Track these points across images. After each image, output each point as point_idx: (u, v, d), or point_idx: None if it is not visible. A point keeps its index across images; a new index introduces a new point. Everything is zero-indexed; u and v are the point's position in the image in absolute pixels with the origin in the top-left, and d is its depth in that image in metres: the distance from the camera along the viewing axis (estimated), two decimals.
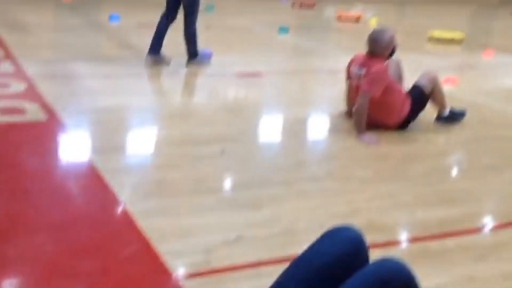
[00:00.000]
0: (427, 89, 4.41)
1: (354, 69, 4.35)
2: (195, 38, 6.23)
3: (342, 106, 5.17)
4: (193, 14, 6.14)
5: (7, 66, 5.46)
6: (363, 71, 4.23)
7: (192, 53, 6.26)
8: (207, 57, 6.38)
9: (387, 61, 4.32)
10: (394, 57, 4.49)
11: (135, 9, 10.15)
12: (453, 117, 4.63)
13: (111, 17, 8.77)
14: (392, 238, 2.79)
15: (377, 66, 4.18)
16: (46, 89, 4.77)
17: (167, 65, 6.05)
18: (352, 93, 4.39)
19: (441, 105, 4.58)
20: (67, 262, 2.35)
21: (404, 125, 4.36)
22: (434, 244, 2.70)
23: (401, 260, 1.65)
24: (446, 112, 4.60)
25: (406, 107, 4.31)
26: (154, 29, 6.08)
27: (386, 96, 4.16)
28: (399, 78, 4.57)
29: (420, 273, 1.71)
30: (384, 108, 4.21)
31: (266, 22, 6.84)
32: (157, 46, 6.09)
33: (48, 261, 2.35)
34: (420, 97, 4.39)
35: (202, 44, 7.20)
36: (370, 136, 4.09)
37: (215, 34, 8.55)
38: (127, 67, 5.93)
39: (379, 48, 4.23)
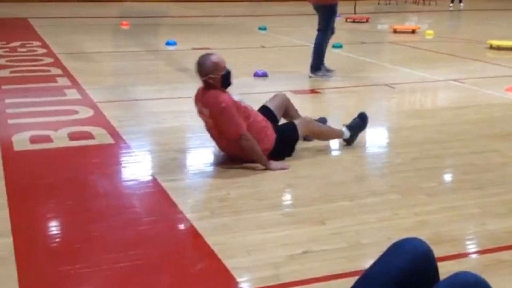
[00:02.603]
0: (301, 133, 3.99)
1: (200, 108, 3.89)
2: (321, 53, 6.69)
3: (400, 119, 5.13)
4: (324, 29, 6.61)
5: (74, 93, 5.71)
6: (207, 111, 3.78)
7: (313, 66, 6.71)
8: (328, 73, 6.81)
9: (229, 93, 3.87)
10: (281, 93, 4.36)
11: (189, 34, 10.40)
12: (357, 128, 4.25)
13: (167, 43, 9.03)
14: (461, 250, 2.73)
15: (215, 103, 3.69)
16: (111, 113, 4.96)
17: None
18: (211, 130, 3.89)
19: (336, 137, 4.19)
20: (140, 278, 2.44)
21: (273, 155, 3.85)
22: (506, 255, 2.63)
23: (475, 274, 1.62)
24: (345, 135, 4.19)
25: (270, 137, 3.86)
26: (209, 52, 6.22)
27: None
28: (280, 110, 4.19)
29: (493, 284, 1.68)
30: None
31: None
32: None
33: (122, 277, 2.44)
34: (291, 135, 3.96)
35: (257, 64, 7.33)
36: (276, 163, 3.74)
37: (269, 54, 8.65)
38: (185, 89, 6.07)
39: (201, 73, 3.77)
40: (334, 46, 8.54)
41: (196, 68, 3.80)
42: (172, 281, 2.42)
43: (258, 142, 3.75)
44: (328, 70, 6.87)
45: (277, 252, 2.65)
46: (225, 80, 3.78)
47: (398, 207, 3.16)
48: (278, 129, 3.97)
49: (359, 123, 4.26)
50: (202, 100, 3.81)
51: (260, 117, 3.93)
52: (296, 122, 4.04)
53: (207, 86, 3.77)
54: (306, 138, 4.23)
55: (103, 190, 3.41)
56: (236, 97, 3.85)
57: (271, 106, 4.17)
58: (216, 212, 3.10)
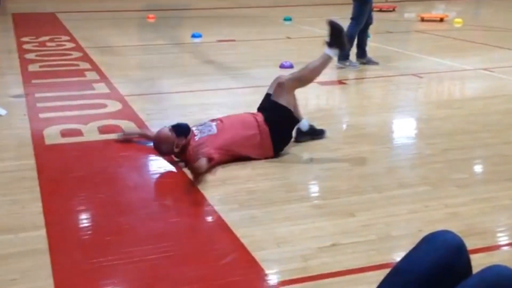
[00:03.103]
0: (287, 102, 3.86)
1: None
2: (350, 42, 6.61)
3: (428, 109, 5.07)
4: (357, 18, 6.63)
5: (102, 87, 5.77)
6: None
7: (342, 54, 6.62)
8: (354, 64, 6.80)
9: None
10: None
11: (214, 26, 10.41)
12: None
13: (193, 35, 9.05)
14: (493, 242, 2.70)
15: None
16: (138, 107, 5.00)
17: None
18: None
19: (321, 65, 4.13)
20: (170, 270, 2.46)
21: (277, 148, 3.81)
22: None
23: (508, 266, 1.60)
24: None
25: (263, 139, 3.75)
26: (234, 44, 6.25)
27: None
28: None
29: None
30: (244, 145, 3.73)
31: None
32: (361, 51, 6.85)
33: (153, 269, 2.47)
34: (284, 116, 3.87)
35: (283, 55, 7.31)
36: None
37: (295, 45, 8.61)
38: (212, 82, 6.10)
39: (170, 148, 3.69)
40: None
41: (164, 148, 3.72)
42: (202, 273, 2.43)
43: (251, 149, 3.71)
44: (371, 62, 6.85)
45: (306, 244, 2.66)
46: (180, 134, 3.67)
47: (429, 199, 3.13)
48: (270, 124, 3.78)
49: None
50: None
51: (236, 132, 3.71)
52: (279, 99, 3.85)
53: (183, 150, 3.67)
54: (298, 140, 4.09)
55: (132, 183, 3.45)
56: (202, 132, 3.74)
57: (270, 91, 3.99)
58: (244, 204, 3.11)
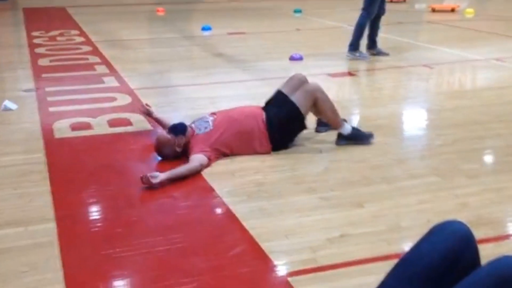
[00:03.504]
0: (301, 105, 3.75)
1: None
2: (360, 32, 6.63)
3: (439, 100, 5.03)
4: (367, 8, 6.60)
5: (112, 81, 5.79)
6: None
7: (352, 45, 6.70)
8: (364, 55, 6.78)
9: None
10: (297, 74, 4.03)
11: (223, 19, 10.40)
12: (357, 137, 3.86)
13: (203, 28, 9.05)
14: (502, 232, 2.68)
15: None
16: (148, 100, 5.00)
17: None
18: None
19: (334, 122, 3.84)
20: (179, 261, 2.47)
21: (275, 146, 3.74)
22: None
23: None
24: (346, 129, 3.84)
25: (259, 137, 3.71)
26: (244, 37, 6.23)
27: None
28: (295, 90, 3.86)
29: None
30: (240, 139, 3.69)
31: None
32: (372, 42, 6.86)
33: (162, 260, 2.48)
34: (291, 114, 3.76)
35: (293, 47, 7.29)
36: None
37: (305, 37, 8.58)
38: (221, 75, 6.10)
39: (171, 149, 3.65)
40: None
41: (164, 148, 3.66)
42: (211, 264, 2.44)
43: (245, 148, 3.69)
44: (382, 53, 6.82)
45: (315, 236, 2.65)
46: (178, 133, 3.64)
47: (438, 190, 3.11)
48: (270, 118, 3.73)
49: (362, 136, 3.88)
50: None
51: (231, 128, 3.67)
52: (295, 98, 3.77)
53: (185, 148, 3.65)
54: (319, 130, 4.08)
55: (141, 176, 3.45)
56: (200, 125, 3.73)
57: (285, 90, 3.90)
58: (253, 196, 3.11)
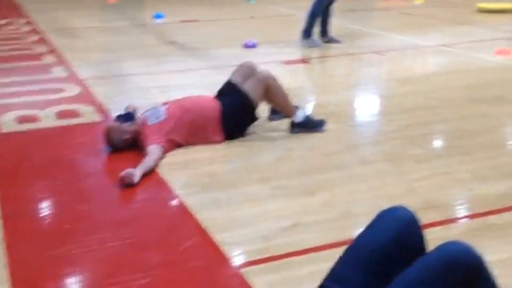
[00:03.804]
0: (253, 93, 3.74)
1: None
2: (313, 20, 6.63)
3: (390, 86, 5.10)
4: None
5: (60, 71, 5.64)
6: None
7: (305, 32, 6.68)
8: (317, 42, 6.80)
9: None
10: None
11: (177, 6, 10.27)
12: (309, 125, 3.86)
13: (156, 16, 8.91)
14: (450, 215, 2.74)
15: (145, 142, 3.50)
16: (99, 90, 4.91)
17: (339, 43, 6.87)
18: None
19: (288, 110, 3.85)
20: (131, 256, 2.43)
21: (228, 136, 3.73)
22: (494, 219, 2.64)
23: (466, 242, 1.62)
24: (298, 117, 3.84)
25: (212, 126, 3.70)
26: (197, 24, 6.17)
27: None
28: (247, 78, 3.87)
29: (482, 249, 1.68)
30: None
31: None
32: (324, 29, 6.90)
33: (113, 257, 2.43)
34: (242, 103, 3.75)
35: (247, 34, 7.26)
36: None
37: (259, 24, 8.56)
38: (173, 63, 6.03)
39: (120, 140, 3.58)
40: None
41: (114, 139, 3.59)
42: (163, 258, 2.41)
43: (199, 137, 3.66)
44: (333, 40, 6.85)
45: (268, 225, 2.66)
46: (125, 120, 3.60)
47: (388, 175, 3.16)
48: (223, 108, 3.71)
49: (315, 123, 3.89)
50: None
51: (184, 117, 3.63)
52: (246, 86, 3.76)
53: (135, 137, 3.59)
54: (272, 118, 4.07)
55: (92, 170, 3.39)
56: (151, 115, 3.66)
57: (235, 79, 3.90)
58: (206, 187, 3.09)
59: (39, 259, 2.42)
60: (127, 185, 3.08)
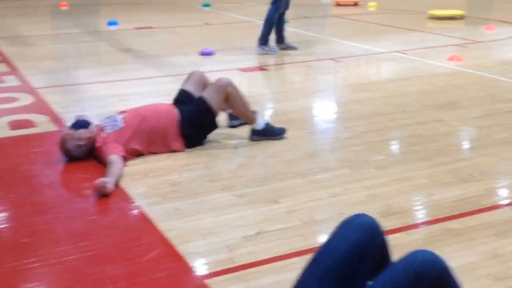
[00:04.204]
0: (213, 100, 3.72)
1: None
2: (269, 27, 6.67)
3: (346, 93, 5.17)
4: (275, 3, 6.63)
5: (12, 80, 5.48)
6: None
7: (261, 39, 6.70)
8: (274, 49, 6.82)
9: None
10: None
11: (131, 13, 10.14)
12: (270, 133, 3.86)
13: (109, 23, 8.78)
14: (411, 221, 2.78)
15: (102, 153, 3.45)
16: (53, 99, 4.79)
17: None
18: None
19: (247, 117, 3.85)
20: (92, 269, 2.37)
21: (188, 143, 3.71)
22: (454, 224, 2.69)
23: (432, 252, 1.64)
24: (259, 125, 3.85)
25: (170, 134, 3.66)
26: (151, 32, 6.10)
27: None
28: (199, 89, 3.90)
29: (443, 254, 1.71)
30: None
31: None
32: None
33: (73, 270, 2.37)
34: (202, 110, 3.72)
35: (203, 42, 7.24)
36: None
37: (214, 31, 8.54)
38: (129, 71, 5.94)
39: (76, 151, 3.52)
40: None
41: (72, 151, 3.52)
42: (125, 271, 2.36)
43: (159, 145, 3.63)
44: (290, 47, 6.90)
45: (231, 234, 2.64)
46: (79, 127, 3.55)
47: (349, 182, 3.19)
48: (182, 115, 3.68)
49: (275, 131, 3.89)
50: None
51: (143, 124, 3.59)
52: (205, 93, 3.75)
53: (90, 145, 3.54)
54: (231, 124, 4.08)
55: (47, 181, 3.30)
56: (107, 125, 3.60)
57: (188, 88, 3.92)
58: (168, 196, 3.05)
59: None
60: (102, 195, 3.01)
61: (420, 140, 3.86)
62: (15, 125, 4.15)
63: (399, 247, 2.24)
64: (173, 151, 3.65)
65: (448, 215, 2.79)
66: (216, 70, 5.67)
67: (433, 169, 3.35)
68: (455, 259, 2.31)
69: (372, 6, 10.89)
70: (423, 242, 2.53)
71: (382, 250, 1.82)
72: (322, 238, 1.79)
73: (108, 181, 3.06)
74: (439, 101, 4.79)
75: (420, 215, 2.86)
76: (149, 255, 2.47)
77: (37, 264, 2.40)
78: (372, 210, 2.76)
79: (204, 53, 6.66)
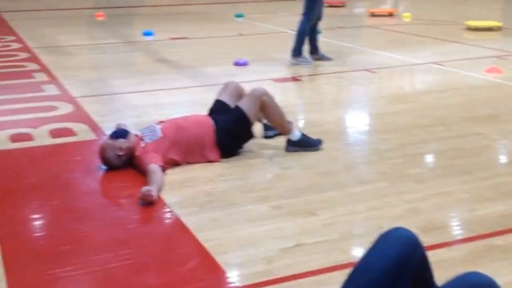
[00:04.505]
0: (249, 109, 3.73)
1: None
2: (301, 38, 6.68)
3: (382, 104, 5.12)
4: (307, 13, 6.62)
5: (52, 89, 5.59)
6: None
7: (294, 50, 6.70)
8: (308, 60, 6.83)
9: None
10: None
11: (166, 24, 10.27)
12: (306, 143, 3.86)
13: (145, 33, 8.90)
14: (453, 237, 2.73)
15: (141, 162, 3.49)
16: (91, 108, 4.87)
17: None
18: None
19: (283, 127, 3.85)
20: (131, 278, 2.39)
21: (224, 153, 3.72)
22: (498, 241, 2.64)
23: (485, 274, 1.60)
24: (295, 135, 3.85)
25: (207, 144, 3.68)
26: (186, 42, 6.16)
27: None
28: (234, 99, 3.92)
29: (487, 272, 1.68)
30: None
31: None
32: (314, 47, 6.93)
33: (113, 278, 2.39)
34: (238, 119, 3.73)
35: (236, 52, 7.27)
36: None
37: (248, 41, 8.58)
38: (165, 81, 6.00)
39: (115, 159, 3.55)
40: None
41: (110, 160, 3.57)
42: (164, 280, 2.37)
43: (195, 155, 3.65)
44: (325, 57, 6.89)
45: (269, 246, 2.63)
46: (118, 137, 3.58)
47: (388, 195, 3.16)
48: (218, 125, 3.71)
49: (312, 142, 3.88)
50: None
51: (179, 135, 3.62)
52: (241, 103, 3.76)
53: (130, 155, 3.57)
54: (266, 134, 4.08)
55: (88, 188, 3.35)
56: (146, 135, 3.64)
57: (224, 98, 3.94)
58: (204, 206, 3.06)
59: (38, 281, 2.37)
60: (146, 203, 3.04)
61: (460, 153, 3.80)
62: (55, 133, 4.23)
63: (440, 263, 2.20)
64: (210, 161, 3.67)
65: (491, 231, 2.73)
66: (250, 80, 5.69)
67: (474, 183, 3.29)
68: (500, 277, 2.23)
69: (407, 16, 10.80)
70: (465, 258, 2.49)
71: (422, 265, 1.78)
72: (361, 253, 1.77)
73: (152, 190, 3.09)
74: (479, 114, 4.71)
75: (462, 231, 2.81)
76: (187, 265, 2.48)
77: (78, 272, 2.43)
78: (412, 225, 2.70)
79: (238, 64, 6.69)
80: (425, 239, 1.81)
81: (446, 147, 3.93)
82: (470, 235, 2.74)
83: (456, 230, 2.82)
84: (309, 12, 6.62)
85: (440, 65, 6.67)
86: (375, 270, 1.69)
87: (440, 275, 1.79)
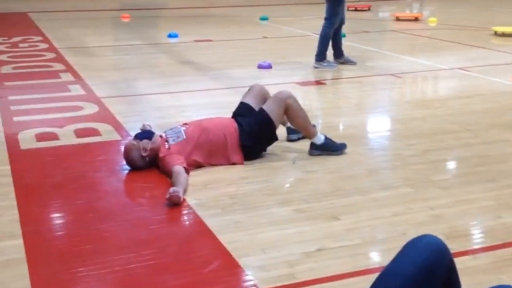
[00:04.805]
0: (273, 112, 3.74)
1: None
2: (325, 42, 6.67)
3: (407, 109, 5.07)
4: (330, 18, 6.60)
5: (77, 89, 5.66)
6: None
7: (318, 55, 6.72)
8: (332, 64, 6.81)
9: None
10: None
11: (190, 26, 10.32)
12: (330, 147, 3.83)
13: (170, 35, 8.96)
14: (479, 245, 2.69)
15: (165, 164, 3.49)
16: (116, 109, 4.91)
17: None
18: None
19: (307, 130, 3.85)
20: (153, 278, 2.40)
21: (248, 156, 3.72)
22: None
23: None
24: (318, 139, 3.83)
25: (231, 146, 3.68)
26: (210, 44, 6.18)
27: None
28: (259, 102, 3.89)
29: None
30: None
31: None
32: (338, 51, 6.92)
33: (135, 278, 2.40)
34: (262, 122, 3.74)
35: (260, 55, 7.28)
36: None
37: (272, 44, 8.58)
38: (189, 83, 6.03)
39: (139, 158, 3.57)
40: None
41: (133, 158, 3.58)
42: (185, 281, 2.38)
43: (219, 158, 3.66)
44: (349, 61, 6.86)
45: (292, 250, 2.62)
46: (142, 137, 3.59)
47: (412, 201, 3.12)
48: (242, 128, 3.71)
49: (336, 146, 3.86)
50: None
51: (204, 136, 3.63)
52: (266, 106, 3.77)
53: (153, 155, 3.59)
54: (290, 138, 4.07)
55: (111, 188, 3.38)
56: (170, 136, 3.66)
57: (248, 100, 3.93)
58: (227, 209, 3.06)
59: (60, 279, 2.40)
60: (173, 204, 3.06)
61: (486, 160, 3.74)
62: (80, 133, 4.28)
63: (465, 270, 2.18)
64: (233, 164, 3.67)
65: None
66: (273, 83, 5.68)
67: (500, 191, 3.24)
68: None
69: (433, 21, 10.70)
70: (491, 266, 2.45)
71: (449, 272, 1.77)
72: (385, 258, 1.75)
73: (178, 191, 3.11)
74: (505, 120, 4.64)
75: (488, 239, 2.76)
76: (209, 267, 2.48)
77: (99, 271, 2.45)
78: (436, 232, 2.66)
79: (262, 66, 6.69)
80: (449, 246, 1.79)
81: (471, 154, 3.88)
82: (495, 243, 2.69)
83: (481, 238, 2.78)
84: (332, 16, 6.59)
85: (466, 70, 6.59)
86: (402, 276, 1.69)
87: (464, 283, 1.76)
